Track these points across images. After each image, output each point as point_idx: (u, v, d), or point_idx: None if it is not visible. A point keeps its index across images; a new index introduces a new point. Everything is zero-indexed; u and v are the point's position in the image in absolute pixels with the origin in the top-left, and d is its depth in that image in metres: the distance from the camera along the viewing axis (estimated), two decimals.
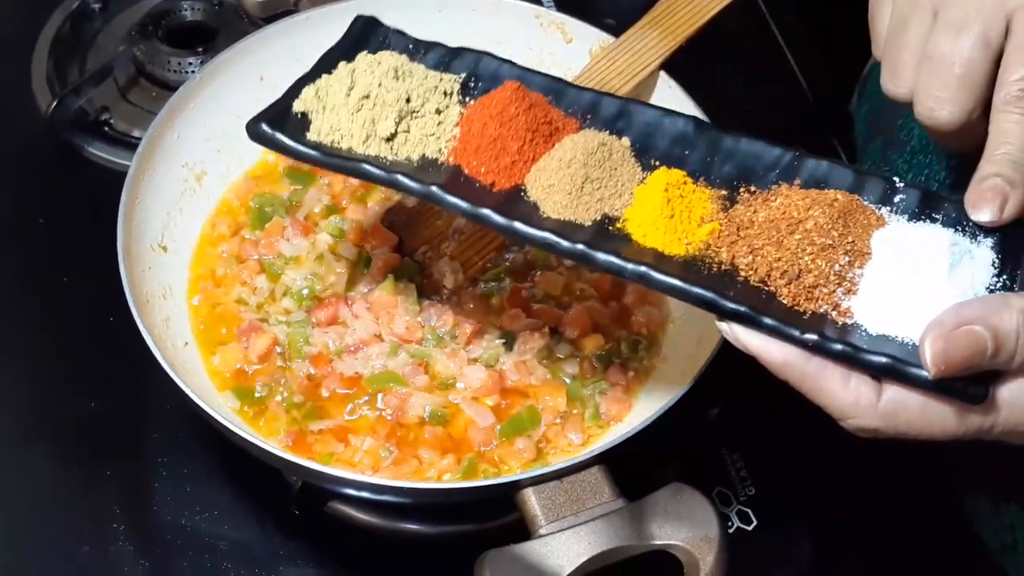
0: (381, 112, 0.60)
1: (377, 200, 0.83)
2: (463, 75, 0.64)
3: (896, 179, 0.57)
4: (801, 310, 0.52)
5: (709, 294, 0.52)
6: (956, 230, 0.54)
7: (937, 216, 0.55)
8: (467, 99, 0.63)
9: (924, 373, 0.49)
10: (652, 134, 0.61)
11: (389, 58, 0.63)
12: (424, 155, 0.61)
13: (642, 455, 0.66)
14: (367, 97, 0.61)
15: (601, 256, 0.55)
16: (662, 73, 0.82)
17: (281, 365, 0.74)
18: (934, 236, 0.54)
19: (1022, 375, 0.49)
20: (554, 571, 0.58)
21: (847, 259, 0.53)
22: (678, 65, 0.83)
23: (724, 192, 0.58)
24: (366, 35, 0.66)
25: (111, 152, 0.93)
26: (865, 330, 0.51)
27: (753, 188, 0.58)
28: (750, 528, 0.75)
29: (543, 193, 0.58)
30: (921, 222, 0.55)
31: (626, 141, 0.61)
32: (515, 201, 0.58)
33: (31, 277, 0.86)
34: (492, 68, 0.65)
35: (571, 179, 0.57)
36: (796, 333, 0.50)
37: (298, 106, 0.62)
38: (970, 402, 0.49)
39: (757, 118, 1.00)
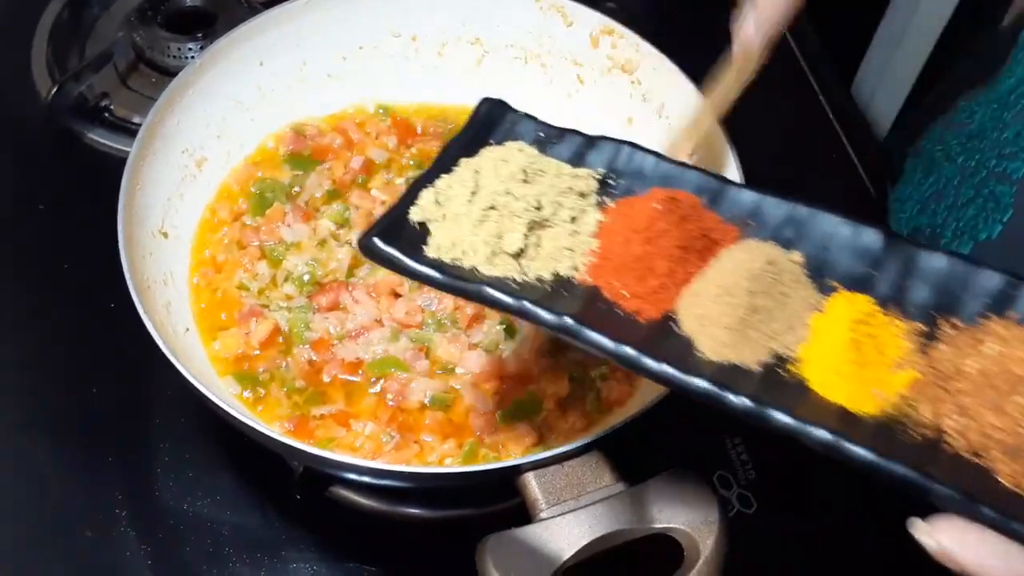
0: (508, 224, 0.52)
1: (379, 185, 0.83)
2: (601, 170, 0.57)
3: None
4: (997, 480, 0.43)
5: (912, 473, 0.43)
6: None
7: None
8: (605, 200, 0.55)
9: None
10: (829, 247, 0.52)
11: (517, 155, 0.55)
12: (557, 272, 0.52)
13: (643, 439, 0.66)
14: (493, 208, 0.53)
15: (776, 416, 0.45)
16: (666, 60, 0.81)
17: (283, 351, 0.74)
18: None
19: None
20: (555, 554, 0.58)
21: None
22: (677, 51, 0.82)
23: (921, 326, 0.48)
24: (491, 122, 0.58)
25: (111, 138, 0.93)
26: None
27: (957, 322, 0.48)
28: (751, 511, 0.75)
29: (698, 325, 0.49)
30: None
31: (797, 256, 0.52)
32: (665, 335, 0.49)
33: (31, 263, 0.86)
34: (636, 162, 0.57)
35: (732, 311, 0.48)
36: (995, 520, 0.41)
37: (415, 214, 0.53)
38: None
39: (760, 108, 1.00)
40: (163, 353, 0.64)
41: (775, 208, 0.54)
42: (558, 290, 0.52)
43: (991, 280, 0.49)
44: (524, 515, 0.61)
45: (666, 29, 0.89)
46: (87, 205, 0.87)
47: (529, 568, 0.57)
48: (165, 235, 0.77)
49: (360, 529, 0.74)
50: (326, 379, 0.73)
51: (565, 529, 0.59)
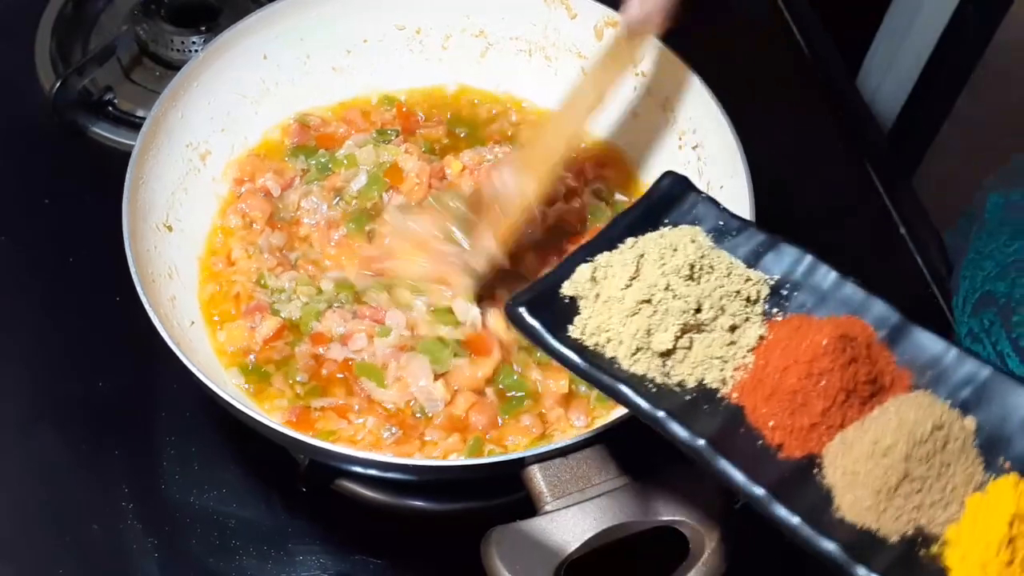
0: (661, 322, 0.49)
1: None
2: (776, 277, 0.53)
3: None
4: None
5: None
6: None
7: None
8: (775, 312, 0.52)
9: None
10: (1008, 420, 0.47)
11: (688, 246, 0.51)
12: (702, 381, 0.50)
13: (647, 432, 0.66)
14: (648, 302, 0.50)
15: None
16: (670, 52, 0.81)
17: (289, 343, 0.74)
18: None
19: None
20: (560, 547, 0.58)
21: None
22: (681, 43, 0.82)
23: None
24: (670, 200, 0.55)
25: (115, 132, 0.93)
26: None
27: None
28: None
29: (842, 479, 0.46)
30: None
31: (971, 423, 0.47)
32: (803, 480, 0.46)
33: (37, 257, 0.86)
34: (816, 276, 0.53)
35: (884, 474, 0.45)
36: None
37: (568, 288, 0.52)
38: None
39: (766, 100, 1.00)
40: (168, 346, 0.65)
41: (962, 365, 0.49)
42: (698, 401, 0.49)
43: None
44: (529, 508, 0.61)
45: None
46: (91, 199, 0.87)
47: (534, 560, 0.58)
48: (169, 228, 0.77)
49: (365, 522, 0.74)
50: (325, 373, 0.73)
51: (570, 522, 0.59)
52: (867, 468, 0.44)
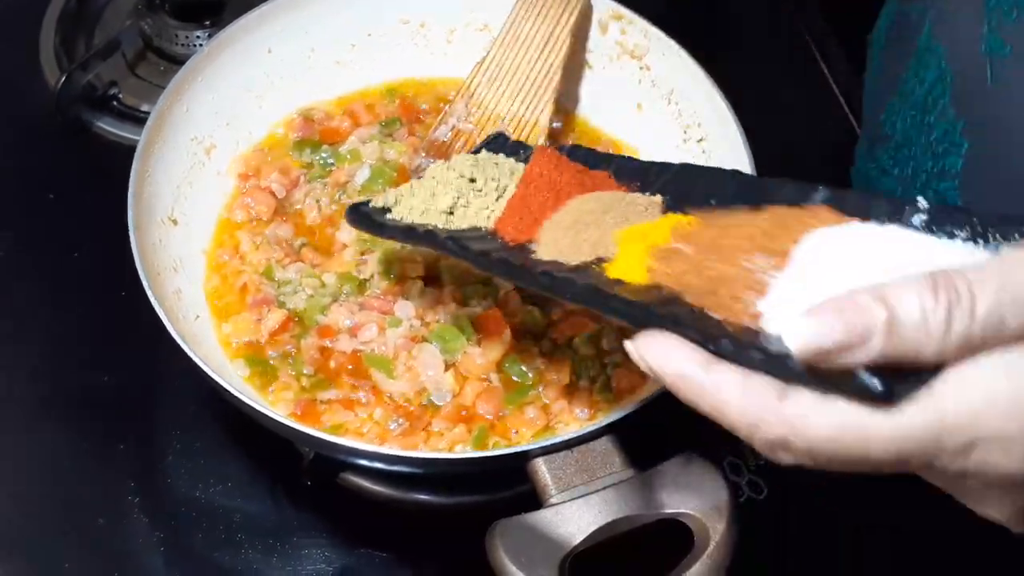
0: (443, 189, 0.65)
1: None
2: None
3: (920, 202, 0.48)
4: (710, 315, 0.46)
5: (620, 306, 0.48)
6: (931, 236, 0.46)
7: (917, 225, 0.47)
8: None
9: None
10: (691, 186, 0.58)
11: (482, 156, 0.69)
12: (474, 225, 0.63)
13: (653, 425, 0.66)
14: (434, 178, 0.66)
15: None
16: (674, 45, 0.81)
17: (295, 335, 0.74)
18: (899, 248, 0.45)
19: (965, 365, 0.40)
20: (565, 539, 0.58)
21: (769, 260, 0.46)
22: (686, 36, 0.82)
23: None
24: (486, 143, 0.72)
25: (120, 127, 0.93)
26: (769, 336, 0.44)
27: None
28: (761, 497, 0.75)
29: (543, 244, 0.59)
30: (894, 227, 0.47)
31: (658, 198, 0.59)
32: (519, 249, 0.59)
33: (41, 252, 0.86)
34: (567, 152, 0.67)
35: (570, 224, 0.58)
36: (694, 335, 0.45)
37: (390, 197, 0.67)
38: (878, 399, 0.40)
39: (770, 94, 0.99)
40: (174, 340, 0.65)
41: (663, 171, 0.61)
42: (467, 233, 0.63)
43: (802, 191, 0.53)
44: (534, 501, 0.61)
45: (675, 15, 0.89)
46: (96, 194, 0.87)
47: (539, 553, 0.58)
48: (174, 222, 0.77)
49: (371, 515, 0.74)
50: (332, 365, 0.73)
51: (575, 514, 0.59)
52: (561, 234, 0.58)
